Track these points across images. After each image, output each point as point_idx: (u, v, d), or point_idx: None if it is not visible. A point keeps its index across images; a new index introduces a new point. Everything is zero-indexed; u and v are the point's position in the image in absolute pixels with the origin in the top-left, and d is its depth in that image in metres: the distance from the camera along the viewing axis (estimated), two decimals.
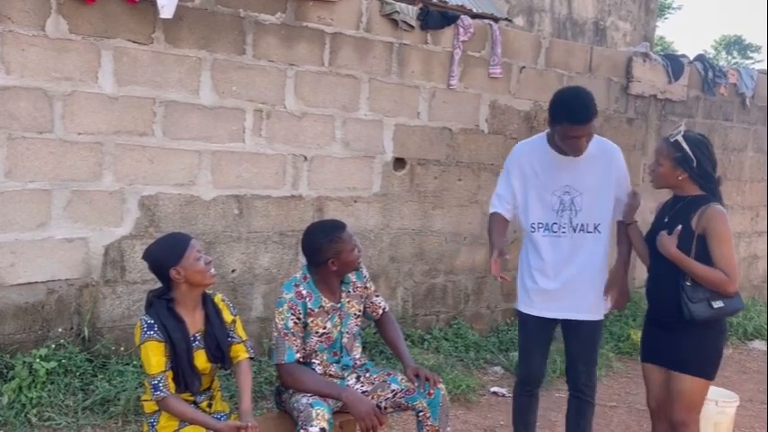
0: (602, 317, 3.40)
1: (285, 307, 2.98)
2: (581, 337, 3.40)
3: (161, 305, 2.74)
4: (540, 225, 3.34)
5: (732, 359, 6.09)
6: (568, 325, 3.43)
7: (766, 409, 4.81)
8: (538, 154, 3.34)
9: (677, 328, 3.06)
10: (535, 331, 3.46)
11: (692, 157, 3.01)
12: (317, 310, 3.03)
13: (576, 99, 3.16)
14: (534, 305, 3.41)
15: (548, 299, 3.36)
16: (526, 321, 3.48)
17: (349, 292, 3.16)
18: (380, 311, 3.30)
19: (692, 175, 3.04)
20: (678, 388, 3.07)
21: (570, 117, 3.11)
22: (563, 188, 3.30)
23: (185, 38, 4.32)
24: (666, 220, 3.11)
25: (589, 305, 3.31)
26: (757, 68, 8.31)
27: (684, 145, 3.01)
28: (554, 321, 3.45)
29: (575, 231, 3.31)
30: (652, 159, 3.20)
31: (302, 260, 3.50)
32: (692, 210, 3.03)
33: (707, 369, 3.07)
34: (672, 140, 3.04)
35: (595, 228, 3.31)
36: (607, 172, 3.31)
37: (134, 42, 4.16)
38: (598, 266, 3.35)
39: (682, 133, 3.03)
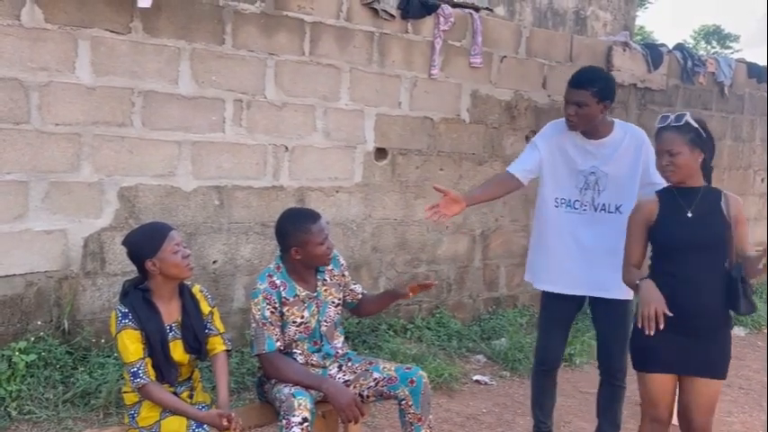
0: (631, 296, 3.29)
1: (260, 297, 2.98)
2: (612, 317, 3.41)
3: (136, 295, 2.72)
4: (563, 201, 3.42)
5: None
6: (598, 305, 3.46)
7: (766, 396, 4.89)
8: (569, 133, 3.40)
9: (707, 331, 2.84)
10: (557, 309, 3.53)
11: (704, 133, 2.81)
12: (291, 299, 3.03)
13: (580, 68, 3.44)
14: (556, 282, 3.47)
15: (570, 276, 3.41)
16: (548, 299, 3.54)
17: (325, 280, 3.15)
18: (359, 296, 3.32)
19: (708, 155, 2.84)
20: (705, 393, 2.89)
21: (569, 80, 3.31)
22: (590, 168, 3.38)
23: (164, 27, 4.28)
24: (690, 214, 2.83)
25: (615, 283, 3.16)
26: (735, 58, 8.37)
27: (695, 123, 2.81)
28: (577, 300, 3.51)
29: (596, 210, 3.39)
30: (657, 157, 2.88)
31: None
32: (716, 199, 2.86)
33: (727, 369, 2.93)
34: (682, 123, 2.79)
35: (617, 209, 3.36)
36: (636, 157, 3.35)
37: (111, 32, 4.11)
38: (617, 246, 3.25)
39: (688, 114, 2.83)
